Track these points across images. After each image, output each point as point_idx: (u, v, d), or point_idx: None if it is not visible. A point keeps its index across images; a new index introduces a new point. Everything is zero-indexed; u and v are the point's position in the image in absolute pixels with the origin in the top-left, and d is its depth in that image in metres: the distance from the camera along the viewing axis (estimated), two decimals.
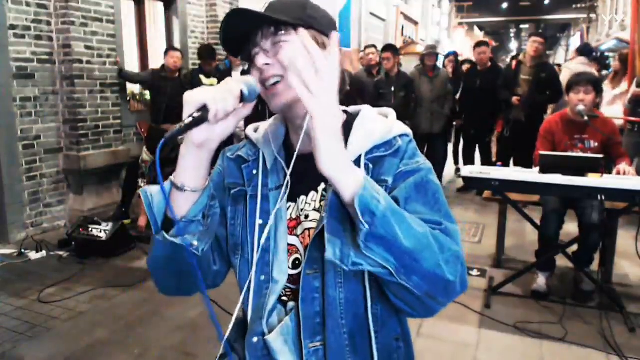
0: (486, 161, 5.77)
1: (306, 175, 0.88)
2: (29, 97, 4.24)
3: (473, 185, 3.06)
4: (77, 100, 4.45)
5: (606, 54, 13.20)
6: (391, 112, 0.98)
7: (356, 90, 5.42)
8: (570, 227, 3.42)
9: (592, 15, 23.25)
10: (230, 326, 0.94)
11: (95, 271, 3.54)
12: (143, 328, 2.71)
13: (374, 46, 6.00)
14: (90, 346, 2.56)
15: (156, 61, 5.43)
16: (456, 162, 7.02)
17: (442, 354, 2.51)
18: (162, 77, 4.72)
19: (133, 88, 5.55)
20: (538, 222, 3.13)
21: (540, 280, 3.11)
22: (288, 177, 0.91)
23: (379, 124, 0.92)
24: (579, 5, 24.40)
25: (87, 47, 4.49)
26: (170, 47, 5.10)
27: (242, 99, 0.83)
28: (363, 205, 0.69)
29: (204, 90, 0.79)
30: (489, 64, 5.62)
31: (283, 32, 0.86)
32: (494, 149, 6.06)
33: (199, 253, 0.85)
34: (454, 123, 6.19)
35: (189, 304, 2.83)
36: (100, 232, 3.78)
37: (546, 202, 3.09)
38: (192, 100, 0.78)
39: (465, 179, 2.95)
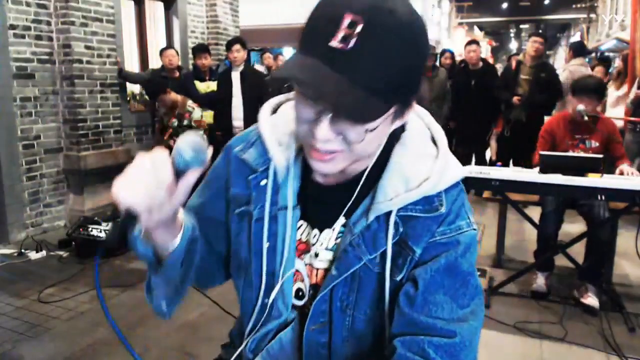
0: (481, 162, 5.75)
1: (321, 205, 0.79)
2: (29, 97, 4.24)
3: (473, 185, 3.05)
4: (77, 100, 4.45)
5: (606, 54, 13.19)
6: (441, 137, 0.80)
7: None
8: (570, 227, 3.42)
9: (592, 15, 23.27)
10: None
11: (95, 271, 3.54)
12: (143, 328, 2.71)
13: None
14: (90, 346, 2.55)
15: (156, 61, 5.43)
16: None
17: None
18: (162, 77, 4.73)
19: (133, 88, 5.55)
20: (538, 222, 3.13)
21: (540, 280, 3.11)
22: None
23: (424, 167, 0.75)
24: (579, 5, 24.43)
25: (87, 47, 4.49)
26: (163, 48, 5.12)
27: (179, 172, 0.68)
28: None
29: (128, 188, 0.67)
30: (480, 63, 5.57)
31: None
32: (493, 149, 6.05)
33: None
34: (449, 125, 6.12)
35: (189, 304, 2.82)
36: (100, 232, 3.78)
37: (545, 202, 3.09)
38: (117, 200, 0.67)
39: (465, 179, 2.94)
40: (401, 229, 0.74)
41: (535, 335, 2.66)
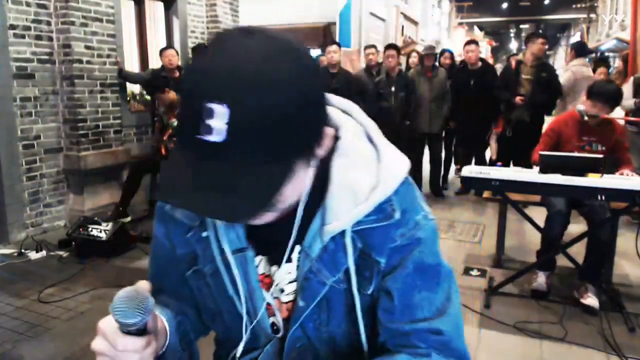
0: (480, 162, 5.76)
1: (273, 238, 0.75)
2: (29, 97, 4.24)
3: (473, 185, 3.05)
4: (77, 100, 4.45)
5: (606, 54, 13.19)
6: (376, 134, 0.76)
7: (357, 90, 5.43)
8: (570, 227, 3.42)
9: (592, 15, 23.28)
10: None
11: (95, 271, 3.54)
12: None
13: (374, 46, 6.00)
14: (90, 346, 2.55)
15: (156, 61, 5.43)
16: (456, 162, 7.03)
17: None
18: (163, 77, 4.73)
19: (133, 88, 5.55)
20: (538, 222, 3.13)
21: (540, 279, 3.11)
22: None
23: (368, 175, 0.71)
24: (579, 5, 24.43)
25: (87, 47, 4.49)
26: (163, 48, 5.13)
27: (138, 331, 0.64)
28: None
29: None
30: (479, 63, 5.57)
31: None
32: (493, 149, 6.05)
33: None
34: (449, 125, 6.14)
35: None
36: (100, 232, 3.78)
37: (551, 203, 3.07)
38: None
39: (465, 179, 2.94)
40: (359, 245, 0.72)
41: (535, 335, 2.66)
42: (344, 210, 0.69)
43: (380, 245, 0.72)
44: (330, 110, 0.73)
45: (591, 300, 2.88)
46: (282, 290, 0.79)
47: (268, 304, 0.80)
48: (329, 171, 0.71)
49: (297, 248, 0.76)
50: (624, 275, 3.46)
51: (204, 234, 0.77)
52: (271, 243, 0.76)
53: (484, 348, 2.55)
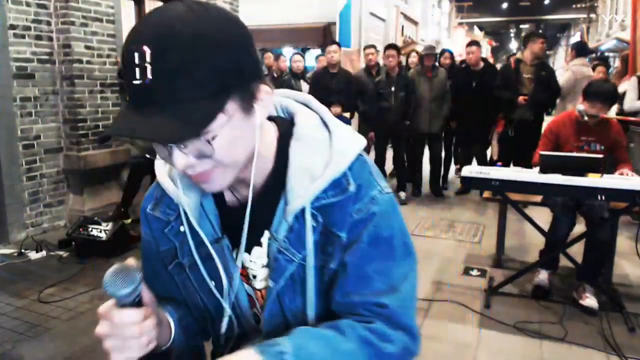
0: (483, 162, 5.76)
1: (243, 227, 0.78)
2: (29, 97, 4.24)
3: (473, 185, 3.05)
4: (77, 100, 4.45)
5: (606, 54, 13.20)
6: (330, 118, 0.81)
7: (356, 90, 5.43)
8: None
9: (592, 15, 23.27)
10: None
11: (95, 271, 3.54)
12: None
13: (374, 46, 6.01)
14: (90, 346, 2.55)
15: None
16: (456, 162, 7.03)
17: (442, 354, 2.51)
18: None
19: None
20: (538, 222, 3.13)
21: (542, 276, 3.10)
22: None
23: (321, 152, 0.76)
24: (579, 5, 24.43)
25: (87, 47, 4.49)
26: None
27: (132, 303, 0.68)
28: None
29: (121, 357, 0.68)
30: (481, 64, 5.58)
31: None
32: (494, 149, 6.05)
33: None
34: (450, 125, 6.15)
35: None
36: (100, 232, 3.78)
37: (557, 204, 3.06)
38: None
39: (465, 179, 2.94)
40: (321, 219, 0.76)
41: (535, 335, 2.66)
42: (302, 188, 0.74)
43: (340, 220, 0.75)
44: (286, 100, 0.84)
45: (590, 301, 2.88)
46: (254, 277, 0.83)
47: (249, 296, 0.85)
48: (288, 156, 0.76)
49: (267, 234, 0.79)
50: (624, 275, 3.46)
51: (182, 229, 0.81)
52: (244, 231, 0.78)
53: (484, 348, 2.55)
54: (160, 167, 0.85)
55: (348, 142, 0.78)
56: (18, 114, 4.16)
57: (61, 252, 3.87)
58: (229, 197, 0.82)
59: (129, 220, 4.44)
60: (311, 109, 0.83)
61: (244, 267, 0.83)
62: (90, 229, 3.81)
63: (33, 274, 3.48)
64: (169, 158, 0.67)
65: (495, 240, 3.72)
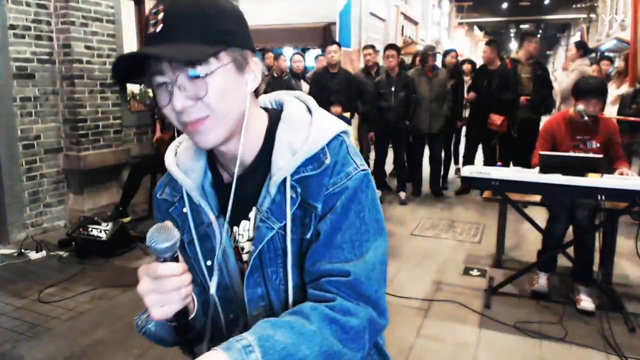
0: (491, 164, 5.74)
1: (235, 203, 0.84)
2: (29, 97, 4.24)
3: (473, 185, 3.05)
4: (77, 100, 4.45)
5: (606, 54, 13.19)
6: (313, 105, 0.90)
7: (356, 90, 5.43)
8: (570, 227, 3.42)
9: (592, 15, 23.26)
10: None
11: (95, 271, 3.54)
12: None
13: (372, 46, 6.00)
14: (90, 346, 2.55)
15: None
16: (456, 162, 7.03)
17: (442, 354, 2.51)
18: None
19: (133, 88, 5.54)
20: (538, 222, 3.13)
21: (542, 281, 3.11)
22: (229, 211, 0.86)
23: (302, 132, 0.84)
24: (579, 5, 24.40)
25: (87, 47, 4.49)
26: None
27: (171, 258, 0.75)
28: None
29: (160, 308, 0.74)
30: (497, 63, 5.60)
31: (201, 64, 0.73)
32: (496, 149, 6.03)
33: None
34: (459, 123, 6.15)
35: None
36: (100, 232, 3.78)
37: (554, 204, 3.07)
38: (162, 317, 0.76)
39: (465, 179, 2.95)
40: (299, 190, 0.82)
41: (535, 335, 2.66)
42: (284, 161, 0.82)
43: (316, 192, 0.81)
44: (279, 94, 0.94)
45: (585, 303, 2.88)
46: (242, 249, 0.89)
47: (240, 270, 0.90)
48: (275, 136, 0.85)
49: (255, 209, 0.86)
50: (624, 275, 3.46)
51: (184, 210, 0.90)
52: (235, 207, 0.85)
53: (484, 348, 2.55)
54: (170, 156, 0.93)
55: (327, 122, 0.86)
56: (18, 114, 4.16)
57: (61, 252, 3.87)
58: (226, 177, 0.89)
59: (128, 219, 4.44)
60: (298, 99, 0.93)
61: (236, 247, 0.90)
62: (90, 229, 3.81)
63: (33, 274, 3.48)
64: (170, 104, 0.75)
65: (495, 240, 3.72)
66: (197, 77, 0.73)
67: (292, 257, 0.83)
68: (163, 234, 0.72)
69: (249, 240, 0.88)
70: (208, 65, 0.74)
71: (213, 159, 0.90)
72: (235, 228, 0.89)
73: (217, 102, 0.75)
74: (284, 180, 0.82)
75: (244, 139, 0.81)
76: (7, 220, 4.13)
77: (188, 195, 0.89)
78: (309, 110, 0.89)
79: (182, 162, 0.90)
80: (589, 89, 3.02)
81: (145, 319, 0.90)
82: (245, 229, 0.88)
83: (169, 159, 0.93)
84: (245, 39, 0.80)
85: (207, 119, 0.76)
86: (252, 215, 0.87)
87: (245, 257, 0.89)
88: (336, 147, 0.84)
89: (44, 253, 3.86)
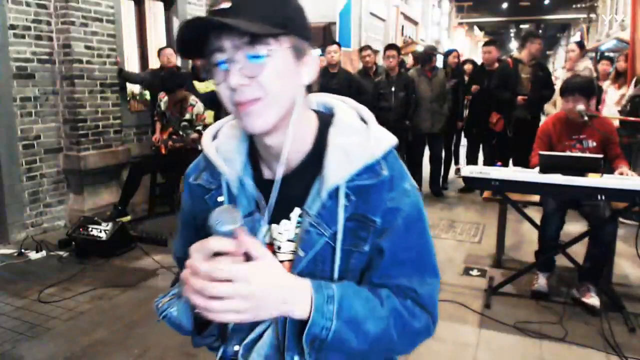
0: (491, 163, 5.74)
1: (276, 201, 0.82)
2: (29, 97, 4.24)
3: (473, 185, 3.05)
4: (77, 100, 4.45)
5: (606, 54, 13.19)
6: (368, 114, 0.88)
7: (356, 90, 5.43)
8: (570, 227, 3.42)
9: (592, 15, 23.25)
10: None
11: (95, 271, 3.54)
12: (143, 328, 2.71)
13: (370, 47, 5.99)
14: (90, 346, 2.55)
15: (156, 61, 5.43)
16: (456, 162, 7.03)
17: (442, 354, 2.51)
18: (161, 77, 4.72)
19: (133, 88, 5.55)
20: (538, 222, 3.13)
21: (541, 281, 3.11)
22: (271, 205, 0.84)
23: (358, 138, 0.83)
24: (579, 5, 24.39)
25: (87, 47, 4.49)
26: (162, 47, 5.14)
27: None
28: (311, 337, 0.73)
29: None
30: (496, 64, 5.59)
31: (262, 44, 0.73)
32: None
33: None
34: (459, 123, 6.15)
35: None
36: (100, 232, 3.78)
37: (546, 202, 3.08)
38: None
39: (465, 179, 2.95)
40: (354, 199, 0.80)
41: (535, 335, 2.66)
42: (339, 167, 0.80)
43: (375, 205, 0.81)
44: (325, 97, 0.92)
45: (593, 299, 2.88)
46: (279, 248, 0.86)
47: None
48: (326, 140, 0.83)
49: (297, 211, 0.84)
50: (624, 275, 3.46)
51: (220, 199, 0.87)
52: (275, 205, 0.83)
53: (484, 348, 2.55)
54: (207, 140, 0.91)
55: (383, 134, 0.85)
56: (18, 114, 4.17)
57: (61, 252, 3.87)
58: (267, 174, 0.87)
59: (128, 219, 4.44)
60: (348, 105, 0.91)
61: (271, 245, 0.87)
62: (90, 229, 3.81)
63: (33, 274, 3.48)
64: (226, 81, 0.74)
65: (495, 240, 3.72)
66: (257, 57, 0.73)
67: (339, 266, 0.82)
68: (229, 216, 0.70)
69: (289, 240, 0.85)
70: (268, 46, 0.73)
71: (254, 154, 0.88)
72: (273, 225, 0.86)
73: (272, 84, 0.75)
74: (337, 187, 0.80)
75: (292, 132, 0.79)
76: (7, 220, 4.13)
77: (227, 184, 0.87)
78: (362, 119, 0.88)
79: (222, 150, 0.88)
80: (574, 87, 3.06)
81: (168, 302, 0.88)
82: (285, 229, 0.85)
83: (207, 142, 0.90)
84: (305, 30, 0.79)
85: (259, 101, 0.75)
86: (293, 215, 0.85)
87: (281, 256, 0.85)
88: (393, 160, 0.84)
89: (44, 253, 3.86)
